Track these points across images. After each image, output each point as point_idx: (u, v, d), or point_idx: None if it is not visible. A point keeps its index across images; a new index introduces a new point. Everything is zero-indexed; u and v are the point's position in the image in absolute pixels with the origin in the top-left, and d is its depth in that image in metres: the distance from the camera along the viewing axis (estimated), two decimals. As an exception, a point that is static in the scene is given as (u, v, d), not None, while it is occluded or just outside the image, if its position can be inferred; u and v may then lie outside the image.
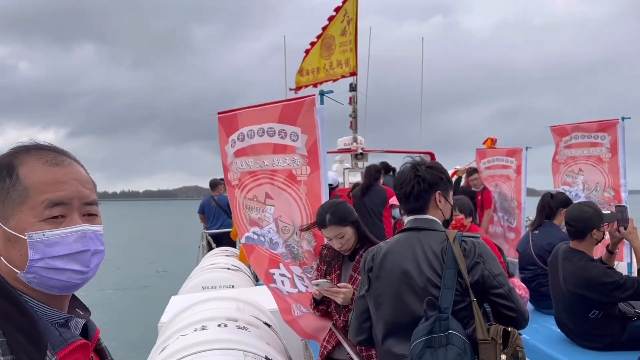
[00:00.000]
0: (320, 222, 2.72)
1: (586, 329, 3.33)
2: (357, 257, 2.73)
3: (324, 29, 9.94)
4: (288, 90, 10.12)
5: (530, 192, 8.02)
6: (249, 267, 5.87)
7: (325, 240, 2.87)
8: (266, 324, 3.07)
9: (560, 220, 4.39)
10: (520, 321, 2.12)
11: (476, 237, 2.16)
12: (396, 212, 6.38)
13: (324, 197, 3.03)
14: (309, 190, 3.05)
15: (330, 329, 2.81)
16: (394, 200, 6.74)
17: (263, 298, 3.73)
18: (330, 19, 9.89)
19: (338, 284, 2.60)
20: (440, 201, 2.26)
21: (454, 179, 9.41)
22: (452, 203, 2.34)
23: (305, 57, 9.96)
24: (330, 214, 2.68)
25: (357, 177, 11.07)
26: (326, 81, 10.00)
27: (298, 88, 10.15)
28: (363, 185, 7.09)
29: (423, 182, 2.24)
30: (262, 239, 3.20)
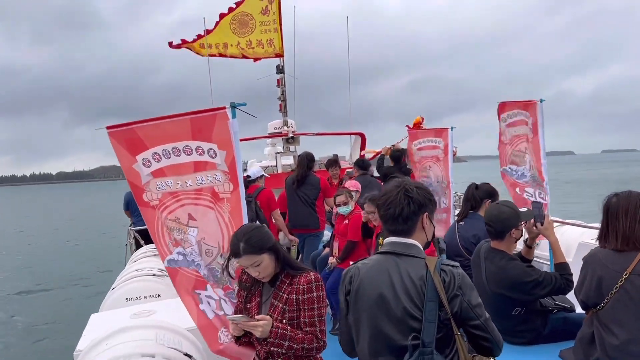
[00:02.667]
0: (234, 252, 2.54)
1: (510, 326, 3.39)
2: (278, 282, 2.59)
3: (237, 4, 9.53)
4: (208, 66, 9.70)
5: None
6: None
7: None
8: (187, 355, 2.90)
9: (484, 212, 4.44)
10: (495, 350, 2.17)
11: (456, 267, 2.15)
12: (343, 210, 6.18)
13: (245, 218, 2.88)
14: (232, 209, 2.91)
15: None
16: (352, 185, 6.57)
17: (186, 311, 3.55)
18: None
19: (256, 316, 2.46)
20: (426, 223, 2.24)
21: (377, 157, 9.41)
22: (434, 225, 2.33)
23: (212, 30, 9.50)
24: (244, 243, 2.50)
25: (289, 160, 10.93)
26: (241, 58, 9.67)
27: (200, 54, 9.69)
28: (298, 176, 6.96)
29: (413, 203, 2.20)
30: (188, 259, 3.00)
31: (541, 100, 5.72)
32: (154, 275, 5.38)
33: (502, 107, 6.03)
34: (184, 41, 9.60)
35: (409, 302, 2.09)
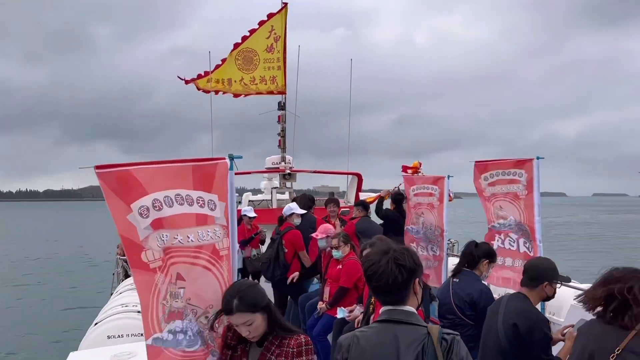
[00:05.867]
0: (226, 309, 2.47)
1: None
2: (266, 343, 2.51)
3: (243, 38, 9.66)
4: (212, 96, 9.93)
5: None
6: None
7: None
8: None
9: (481, 271, 4.38)
10: None
11: (456, 335, 2.12)
12: (322, 243, 6.28)
13: (234, 273, 2.80)
14: (229, 265, 2.76)
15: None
16: (320, 231, 6.59)
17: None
18: (252, 31, 9.64)
19: None
20: (417, 289, 2.21)
21: (375, 201, 9.40)
22: (422, 286, 2.29)
23: (219, 66, 9.70)
24: (238, 300, 2.43)
25: (285, 196, 10.92)
26: (244, 95, 9.81)
27: (204, 91, 9.89)
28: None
29: (405, 271, 2.15)
30: (180, 336, 2.61)
31: (538, 158, 5.72)
32: (139, 312, 5.26)
33: (484, 167, 6.09)
34: (195, 78, 9.81)
35: None
